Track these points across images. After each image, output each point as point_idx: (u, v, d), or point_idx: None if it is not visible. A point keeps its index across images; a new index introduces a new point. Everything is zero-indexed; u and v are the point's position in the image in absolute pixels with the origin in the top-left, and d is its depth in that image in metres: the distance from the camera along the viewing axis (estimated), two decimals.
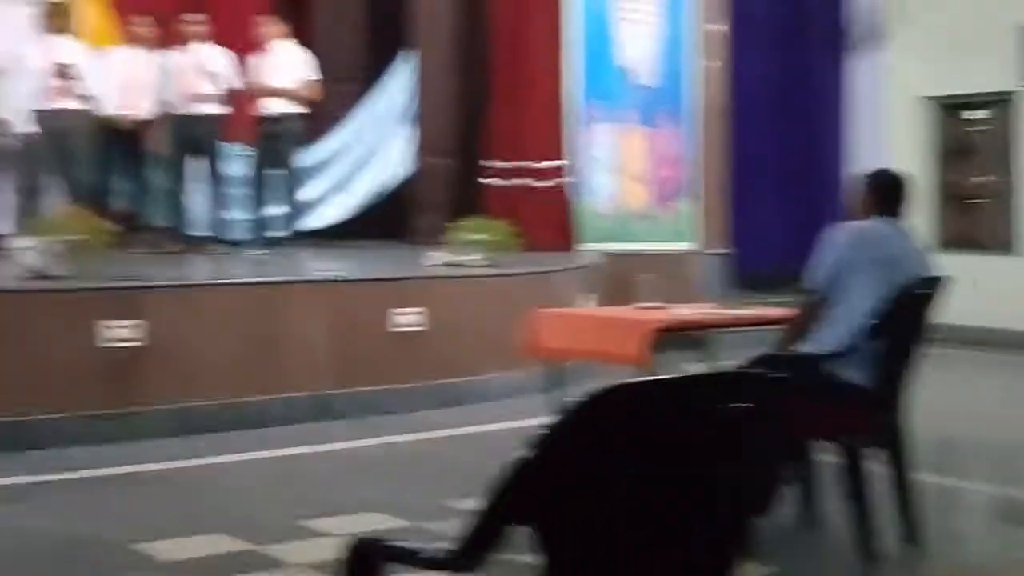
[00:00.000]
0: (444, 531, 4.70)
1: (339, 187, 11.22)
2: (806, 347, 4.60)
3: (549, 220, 10.34)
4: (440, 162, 11.12)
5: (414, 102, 11.35)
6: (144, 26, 9.80)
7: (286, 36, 9.94)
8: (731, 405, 1.74)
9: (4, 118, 9.36)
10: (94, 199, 9.02)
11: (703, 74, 11.34)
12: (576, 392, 1.58)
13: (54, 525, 4.95)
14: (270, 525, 4.92)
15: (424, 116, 11.30)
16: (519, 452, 1.55)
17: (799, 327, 4.68)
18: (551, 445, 1.49)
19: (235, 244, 9.92)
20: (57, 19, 9.48)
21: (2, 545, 4.72)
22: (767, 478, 1.95)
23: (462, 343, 7.74)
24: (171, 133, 9.82)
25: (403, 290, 7.70)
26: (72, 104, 9.32)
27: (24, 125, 9.32)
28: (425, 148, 11.26)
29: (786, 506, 4.63)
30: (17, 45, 9.43)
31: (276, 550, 4.59)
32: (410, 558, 1.78)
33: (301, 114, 9.85)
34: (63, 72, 9.24)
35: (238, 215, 10.13)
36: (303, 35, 11.29)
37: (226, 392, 6.91)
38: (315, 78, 9.90)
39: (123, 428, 6.55)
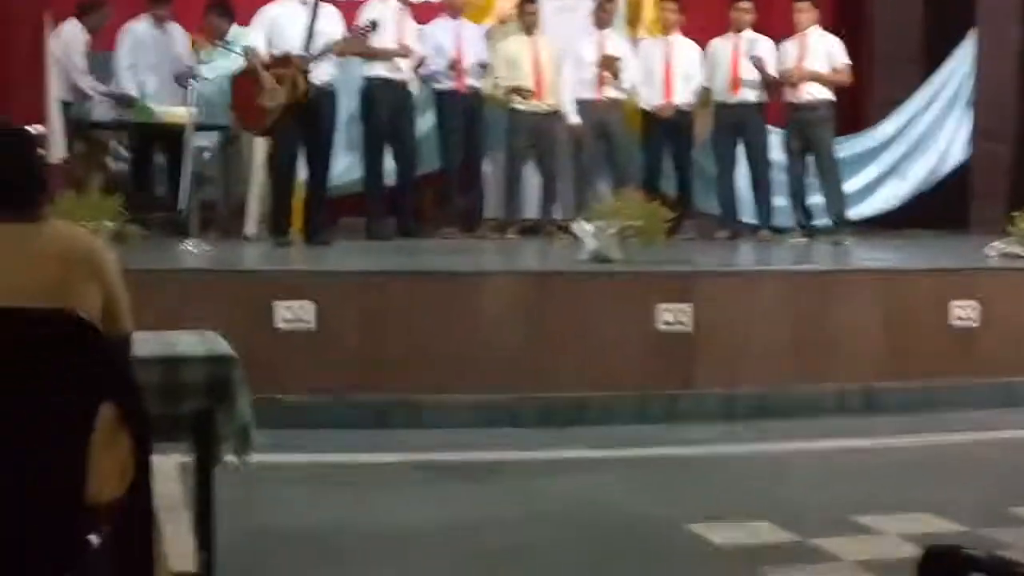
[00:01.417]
0: (1003, 539, 4.44)
1: (891, 174, 10.87)
2: None
3: None
4: (999, 148, 10.51)
5: (973, 85, 10.79)
6: (676, 12, 10.00)
7: (818, 22, 9.78)
8: None
9: (559, 109, 9.84)
10: (645, 185, 9.32)
11: None
12: None
13: (611, 499, 5.15)
14: (816, 517, 4.84)
15: (983, 99, 10.72)
16: None
17: None
18: None
19: (781, 231, 9.89)
20: (606, 13, 9.88)
21: (575, 513, 4.97)
22: None
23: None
24: (716, 120, 9.96)
25: (958, 282, 7.33)
26: (615, 94, 9.71)
27: (576, 115, 9.76)
28: (983, 133, 10.69)
29: None
30: (574, 39, 9.94)
31: (823, 543, 4.51)
32: (1002, 571, 1.66)
33: (832, 101, 9.66)
34: (608, 64, 9.63)
35: (782, 202, 10.09)
36: (862, 19, 11.08)
37: (772, 380, 6.88)
38: (847, 63, 9.68)
39: (670, 410, 6.70)
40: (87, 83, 8.91)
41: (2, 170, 3.09)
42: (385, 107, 9.11)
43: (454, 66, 9.43)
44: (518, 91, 9.67)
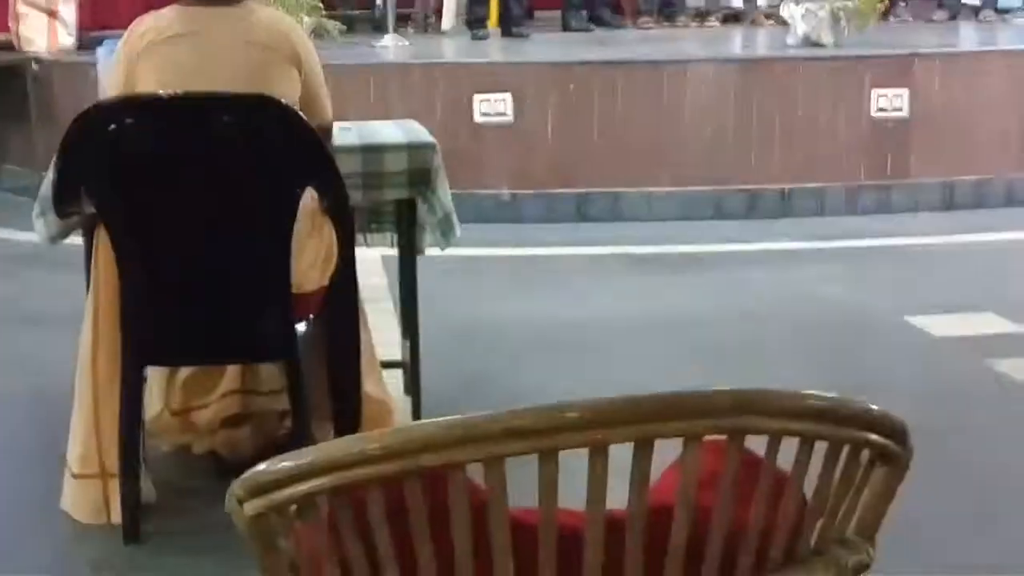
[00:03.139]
0: None
1: None
2: None
3: None
4: None
5: None
6: None
7: None
8: None
9: None
10: None
11: None
12: None
13: (823, 292, 4.98)
14: None
15: None
16: None
17: None
18: None
19: (1006, 11, 9.27)
20: None
21: (788, 306, 4.82)
22: None
23: None
24: None
25: None
26: None
27: None
28: None
29: None
30: None
31: None
32: None
33: None
34: None
35: None
36: None
37: (993, 167, 6.54)
38: None
39: (884, 200, 6.45)
40: None
41: None
42: None
43: None
44: None
